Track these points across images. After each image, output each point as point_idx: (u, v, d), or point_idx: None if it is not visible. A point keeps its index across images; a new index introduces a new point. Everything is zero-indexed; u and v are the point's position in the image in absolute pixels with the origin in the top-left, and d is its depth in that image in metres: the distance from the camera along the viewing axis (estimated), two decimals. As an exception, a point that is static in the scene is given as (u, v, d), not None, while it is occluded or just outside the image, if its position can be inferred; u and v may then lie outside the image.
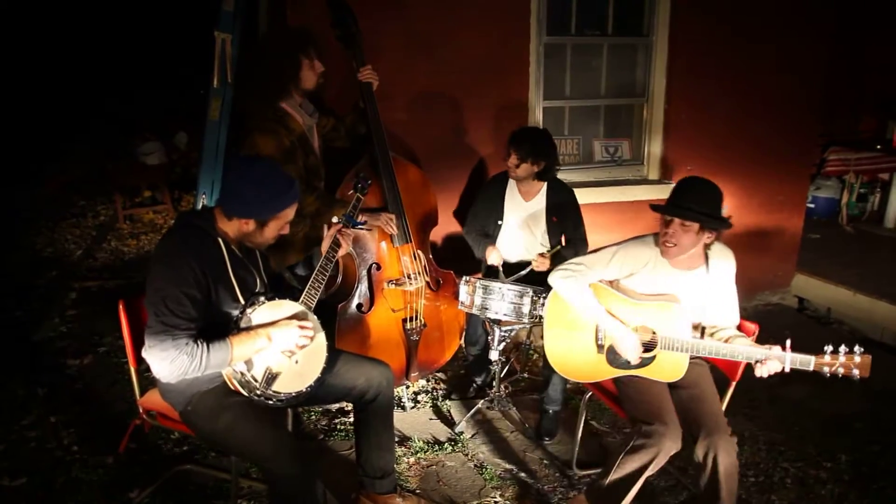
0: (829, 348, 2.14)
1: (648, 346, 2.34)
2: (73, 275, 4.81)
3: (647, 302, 2.35)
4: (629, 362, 2.33)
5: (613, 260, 2.39)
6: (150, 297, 1.87)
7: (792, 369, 2.18)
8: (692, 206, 2.19)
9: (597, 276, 2.41)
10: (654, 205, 2.33)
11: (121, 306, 2.17)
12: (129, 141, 6.73)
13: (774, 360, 2.15)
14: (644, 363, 2.34)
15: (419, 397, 3.31)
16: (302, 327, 2.01)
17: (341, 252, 2.29)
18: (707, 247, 2.33)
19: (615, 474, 2.22)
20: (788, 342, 2.19)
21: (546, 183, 3.13)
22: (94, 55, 9.22)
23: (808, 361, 2.15)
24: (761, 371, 2.18)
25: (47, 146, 8.23)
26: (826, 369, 2.14)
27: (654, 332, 2.32)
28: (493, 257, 3.07)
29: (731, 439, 2.18)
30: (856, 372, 2.12)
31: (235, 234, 2.00)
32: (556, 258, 2.95)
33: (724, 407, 2.42)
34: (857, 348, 2.12)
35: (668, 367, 2.32)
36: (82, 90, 9.01)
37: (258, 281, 2.11)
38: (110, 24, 9.25)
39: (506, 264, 3.11)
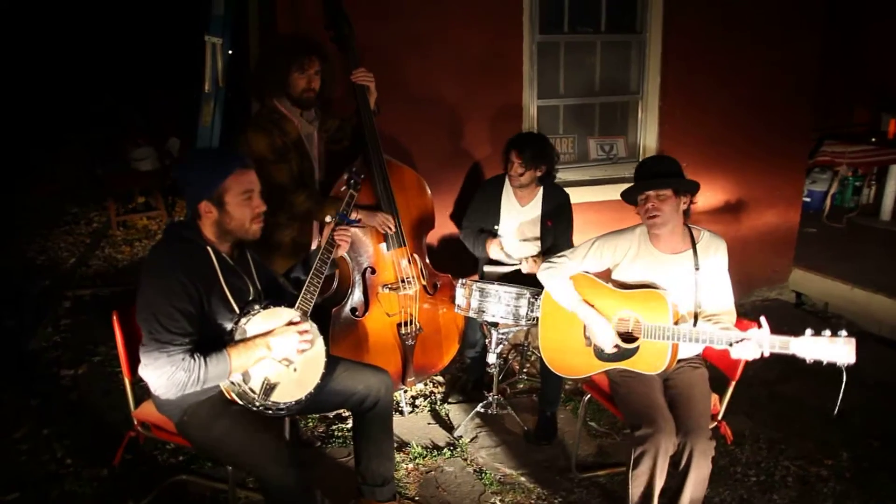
0: (810, 331, 2.00)
1: (631, 338, 2.34)
2: (67, 283, 4.77)
3: (632, 291, 2.36)
4: (612, 352, 2.35)
5: (591, 251, 2.46)
6: (142, 315, 1.84)
7: (774, 355, 2.05)
8: (657, 175, 2.27)
9: (576, 268, 2.47)
10: (625, 191, 2.38)
11: (114, 317, 2.13)
12: (122, 147, 6.68)
13: (753, 343, 2.07)
14: (628, 354, 2.34)
15: (417, 402, 3.28)
16: (301, 332, 1.98)
17: (339, 252, 2.26)
18: (686, 217, 2.35)
19: (634, 496, 2.20)
20: (763, 319, 2.06)
21: (542, 187, 3.10)
22: (85, 60, 9.16)
23: (787, 343, 2.02)
24: (737, 353, 2.09)
25: (39, 152, 8.18)
26: (807, 354, 1.98)
27: (637, 320, 2.32)
28: (494, 250, 3.05)
29: (710, 443, 2.15)
30: (840, 358, 1.95)
31: (214, 233, 1.95)
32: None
33: (724, 406, 2.41)
34: (841, 332, 1.96)
35: (652, 358, 2.30)
36: (74, 96, 8.96)
37: (251, 288, 2.07)
38: (102, 29, 9.20)
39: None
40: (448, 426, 3.07)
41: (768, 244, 4.55)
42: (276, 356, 1.95)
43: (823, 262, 4.62)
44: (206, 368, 1.82)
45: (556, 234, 3.10)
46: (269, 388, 1.93)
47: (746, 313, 4.22)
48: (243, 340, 1.92)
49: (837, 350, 1.96)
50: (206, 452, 2.44)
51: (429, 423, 3.10)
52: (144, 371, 1.83)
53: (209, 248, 1.94)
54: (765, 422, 3.10)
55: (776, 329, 2.07)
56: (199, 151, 2.04)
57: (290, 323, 2.00)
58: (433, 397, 3.33)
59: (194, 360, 1.81)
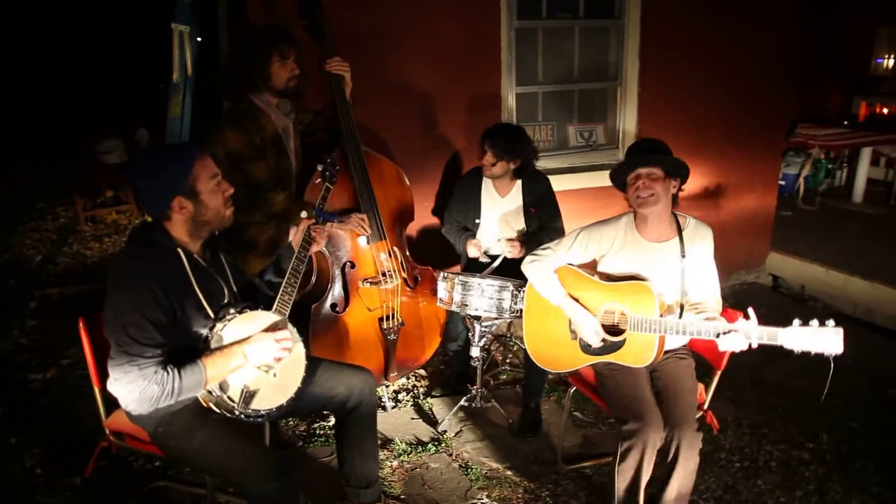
0: (797, 321, 1.97)
1: (617, 330, 2.32)
2: (33, 282, 4.61)
3: (618, 283, 2.33)
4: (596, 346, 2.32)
5: (576, 242, 2.41)
6: (110, 327, 1.74)
7: (762, 346, 2.03)
8: (649, 153, 2.27)
9: (561, 260, 2.43)
10: (613, 171, 2.35)
11: (81, 324, 2.03)
12: (89, 140, 6.47)
13: (740, 335, 2.04)
14: (614, 347, 2.31)
15: (400, 396, 3.23)
16: (279, 340, 1.90)
17: (314, 249, 2.19)
18: (675, 201, 2.32)
19: (619, 490, 2.18)
20: (751, 310, 2.03)
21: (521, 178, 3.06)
22: (51, 52, 8.85)
23: (774, 335, 2.00)
24: (725, 345, 2.06)
25: (3, 147, 7.89)
26: (796, 345, 1.96)
27: (623, 313, 2.29)
28: (473, 250, 3.03)
29: (697, 434, 2.14)
30: (828, 348, 1.93)
31: (187, 231, 1.86)
32: (530, 242, 2.89)
33: (709, 396, 2.41)
34: (829, 322, 1.94)
35: (639, 350, 2.27)
36: (39, 89, 8.66)
37: (226, 290, 1.98)
38: (68, 21, 8.89)
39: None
40: (432, 421, 3.04)
41: (746, 228, 4.58)
42: (254, 364, 1.88)
43: (799, 245, 4.67)
44: (181, 381, 1.74)
45: (541, 221, 3.06)
46: (248, 396, 1.86)
47: (726, 297, 4.27)
48: (219, 349, 1.84)
49: (826, 340, 1.94)
50: (184, 463, 2.36)
51: (412, 418, 3.06)
52: (114, 386, 1.74)
53: (180, 251, 1.85)
54: (748, 407, 3.12)
55: (754, 312, 2.04)
56: (147, 154, 1.95)
57: (268, 328, 1.92)
58: (416, 391, 3.29)
59: (167, 372, 1.73)
